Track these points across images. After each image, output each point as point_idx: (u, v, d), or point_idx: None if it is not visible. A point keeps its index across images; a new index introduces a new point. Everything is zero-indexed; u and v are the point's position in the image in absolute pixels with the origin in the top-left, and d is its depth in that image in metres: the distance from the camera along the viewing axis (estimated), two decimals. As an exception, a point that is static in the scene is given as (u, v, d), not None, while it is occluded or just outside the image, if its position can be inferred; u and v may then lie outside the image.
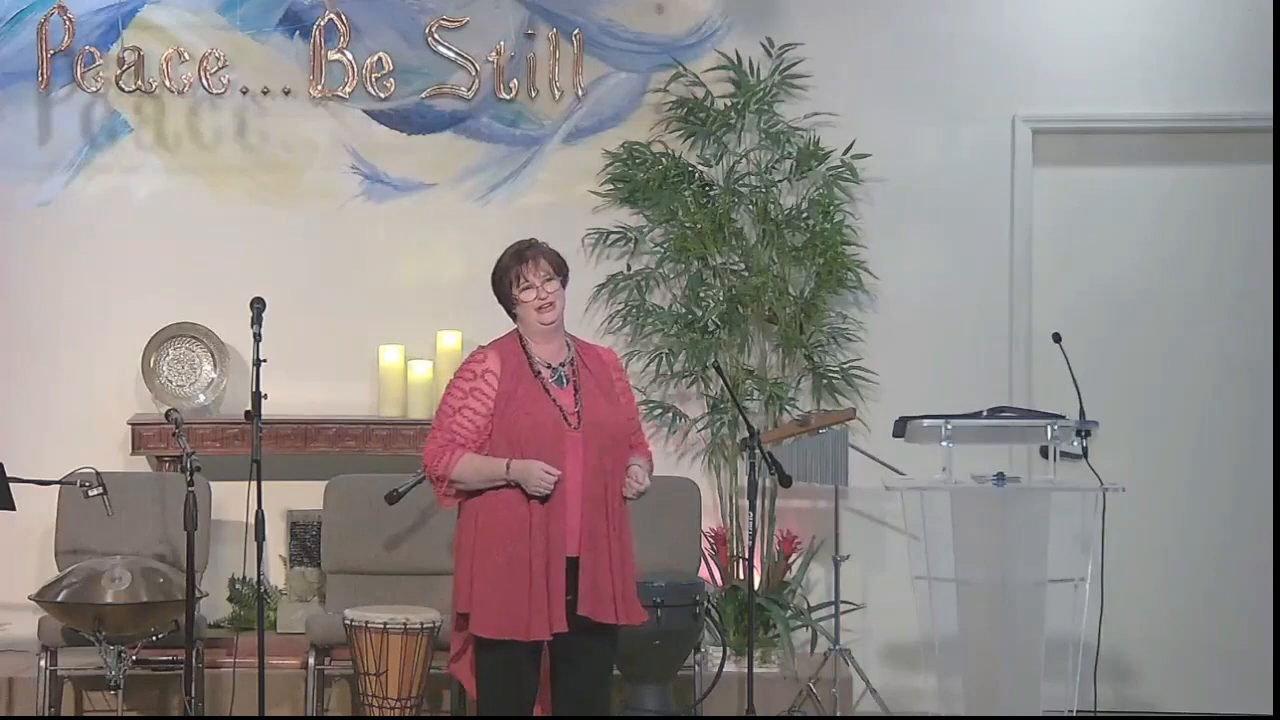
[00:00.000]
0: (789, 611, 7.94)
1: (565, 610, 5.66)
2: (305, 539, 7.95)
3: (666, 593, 7.09)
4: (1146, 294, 8.28)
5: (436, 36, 8.16)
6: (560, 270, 5.85)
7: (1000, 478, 7.05)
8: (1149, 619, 8.06)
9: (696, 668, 7.48)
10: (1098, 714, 7.26)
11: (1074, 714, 7.07)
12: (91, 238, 8.13)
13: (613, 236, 8.20)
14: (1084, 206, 8.29)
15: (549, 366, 5.80)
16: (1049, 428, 7.11)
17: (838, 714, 7.61)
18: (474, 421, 5.74)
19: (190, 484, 6.52)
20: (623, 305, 8.21)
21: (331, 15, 8.12)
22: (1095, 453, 7.05)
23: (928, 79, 8.20)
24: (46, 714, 7.26)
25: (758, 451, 6.84)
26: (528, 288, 5.79)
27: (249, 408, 6.57)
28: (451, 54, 8.17)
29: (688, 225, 8.14)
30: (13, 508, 6.75)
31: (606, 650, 5.81)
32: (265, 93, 8.15)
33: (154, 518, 7.52)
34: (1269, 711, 7.83)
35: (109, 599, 6.73)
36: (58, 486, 7.08)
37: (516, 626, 5.64)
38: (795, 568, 8.07)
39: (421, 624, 6.90)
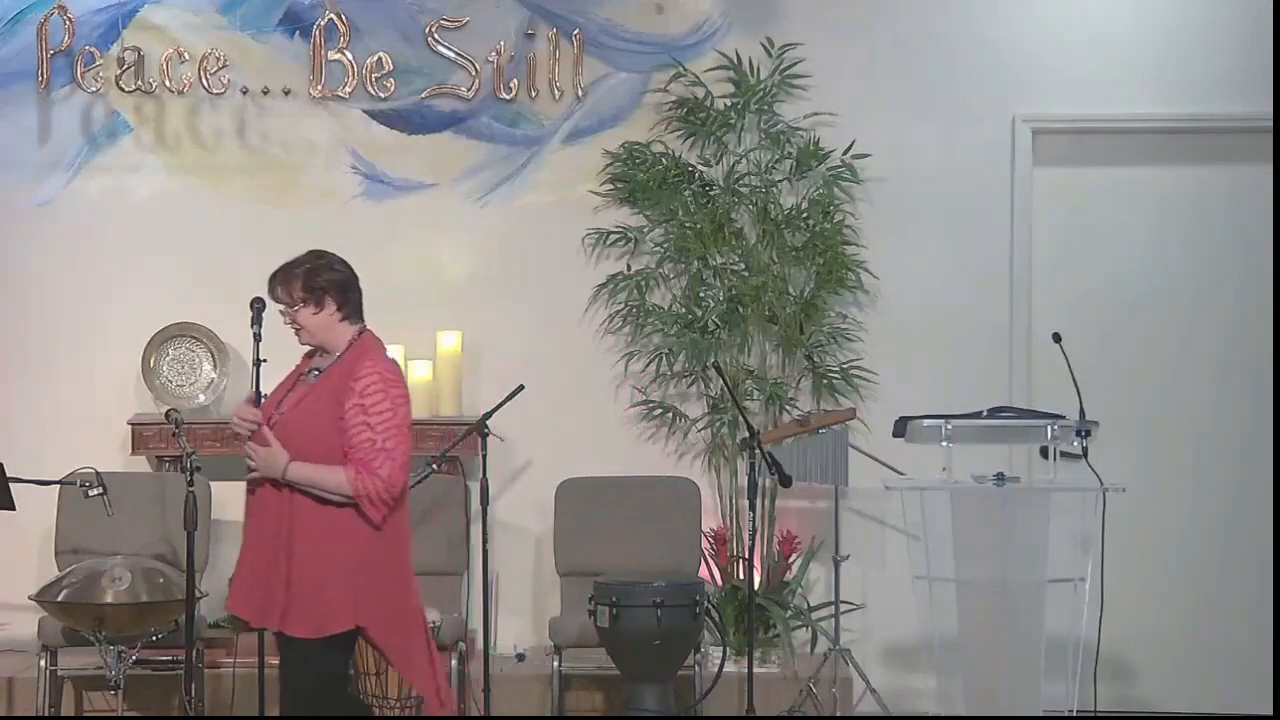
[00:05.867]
0: (789, 611, 7.94)
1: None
2: (305, 539, 7.94)
3: (666, 593, 7.08)
4: (1146, 294, 8.28)
5: (436, 36, 8.16)
6: (306, 293, 5.87)
7: (1000, 478, 7.05)
8: (1149, 619, 8.06)
9: (696, 668, 7.48)
10: (1098, 714, 7.26)
11: (1074, 714, 7.07)
12: (91, 238, 8.13)
13: (613, 236, 8.19)
14: (1084, 206, 8.29)
15: (316, 370, 5.97)
16: (1049, 428, 7.11)
17: (838, 714, 7.61)
18: None
19: (190, 484, 6.51)
20: (623, 305, 8.20)
21: (331, 15, 8.12)
22: (1095, 453, 7.05)
23: (928, 79, 8.20)
24: (46, 714, 7.26)
25: (758, 451, 6.84)
26: (281, 309, 5.95)
27: (249, 408, 6.58)
28: (451, 54, 8.16)
29: (688, 225, 8.14)
30: (13, 508, 6.75)
31: (290, 659, 5.85)
32: (265, 93, 8.15)
33: (154, 518, 7.52)
34: (1269, 711, 7.82)
35: (109, 599, 6.72)
36: (58, 486, 7.07)
37: None
38: (795, 568, 8.07)
39: (421, 624, 6.88)
